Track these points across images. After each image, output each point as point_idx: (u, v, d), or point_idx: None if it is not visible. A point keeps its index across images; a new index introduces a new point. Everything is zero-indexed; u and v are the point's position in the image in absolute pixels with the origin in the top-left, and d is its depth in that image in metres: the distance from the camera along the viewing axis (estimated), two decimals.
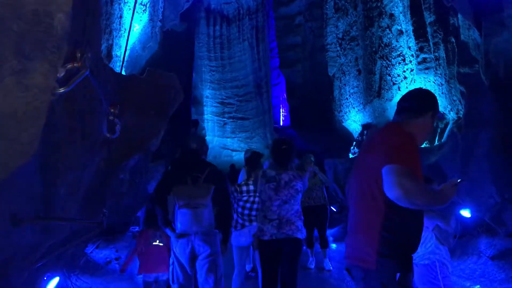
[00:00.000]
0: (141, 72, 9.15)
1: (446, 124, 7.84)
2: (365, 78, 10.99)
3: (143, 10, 9.64)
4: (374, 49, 10.35)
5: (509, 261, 5.76)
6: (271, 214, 3.93)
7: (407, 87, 9.21)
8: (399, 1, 9.31)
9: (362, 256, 2.14)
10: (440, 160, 7.17)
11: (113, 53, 7.63)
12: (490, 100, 6.51)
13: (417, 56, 8.55)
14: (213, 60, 21.72)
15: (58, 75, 1.57)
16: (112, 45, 7.51)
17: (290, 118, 17.85)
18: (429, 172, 6.23)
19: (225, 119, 21.47)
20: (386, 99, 10.02)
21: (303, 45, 16.02)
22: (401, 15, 9.30)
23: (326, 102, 13.74)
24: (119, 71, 4.88)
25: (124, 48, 7.71)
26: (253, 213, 5.06)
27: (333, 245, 8.89)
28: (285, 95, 19.63)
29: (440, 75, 8.09)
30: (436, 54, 8.05)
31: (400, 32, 9.44)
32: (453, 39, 7.51)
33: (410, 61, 9.10)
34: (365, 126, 11.51)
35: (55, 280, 4.21)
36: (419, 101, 2.33)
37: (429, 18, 8.05)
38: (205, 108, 21.48)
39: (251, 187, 5.07)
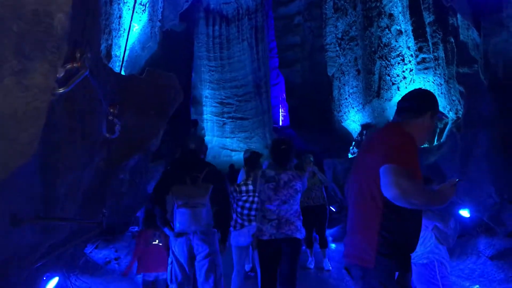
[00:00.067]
0: (140, 72, 9.14)
1: (445, 124, 7.84)
2: (364, 78, 10.99)
3: (143, 10, 9.64)
4: (373, 49, 10.36)
5: (508, 261, 5.77)
6: (270, 214, 3.94)
7: (406, 87, 9.22)
8: (398, 1, 9.31)
9: (361, 255, 2.16)
10: (439, 160, 7.18)
11: (112, 53, 7.63)
12: (489, 100, 6.52)
13: (416, 56, 8.55)
14: (212, 60, 21.72)
15: (58, 75, 1.57)
16: (111, 45, 7.52)
17: (289, 118, 17.86)
18: (428, 172, 6.23)
19: (225, 119, 21.47)
20: (385, 99, 10.02)
21: (302, 45, 16.02)
22: (400, 15, 9.30)
23: (325, 102, 13.74)
24: (119, 71, 4.89)
25: (123, 48, 7.71)
26: (252, 213, 5.07)
27: (333, 245, 8.91)
28: (284, 95, 19.63)
29: (439, 75, 8.10)
30: (435, 54, 8.06)
31: (399, 32, 9.45)
32: (452, 39, 7.52)
33: (409, 61, 9.11)
34: (364, 126, 11.52)
35: (55, 280, 4.22)
36: (419, 101, 2.34)
37: (428, 18, 8.05)
38: (204, 108, 21.48)
39: (250, 187, 5.08)
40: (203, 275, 3.96)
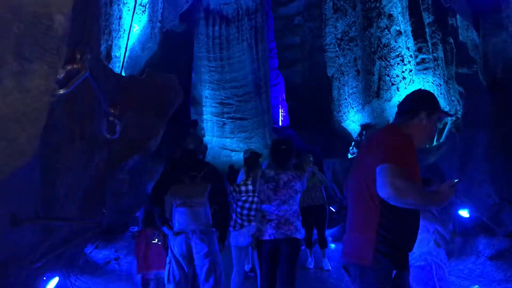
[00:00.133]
0: (140, 72, 9.16)
1: (445, 125, 7.85)
2: (364, 79, 11.01)
3: (142, 11, 9.65)
4: (373, 49, 10.37)
5: (507, 261, 5.78)
6: (270, 214, 3.95)
7: (405, 88, 9.23)
8: (397, 2, 9.32)
9: (359, 254, 2.18)
10: (439, 160, 7.19)
11: (112, 54, 7.64)
12: (489, 101, 6.53)
13: (416, 57, 8.56)
14: (212, 60, 21.73)
15: (58, 76, 1.59)
16: (111, 46, 7.53)
17: (289, 118, 17.86)
18: (427, 172, 6.25)
19: (224, 119, 21.47)
20: (385, 100, 10.03)
21: (302, 45, 16.02)
22: (399, 15, 9.31)
23: (325, 102, 13.75)
24: (119, 72, 4.90)
25: (123, 49, 7.73)
26: (252, 213, 5.08)
27: (332, 245, 8.92)
28: (284, 95, 19.65)
29: (438, 76, 8.10)
30: (435, 54, 8.07)
31: (399, 33, 9.46)
32: (451, 40, 7.53)
33: (409, 62, 9.12)
34: (364, 127, 11.53)
35: (55, 280, 4.23)
36: (411, 102, 2.37)
37: (427, 18, 8.06)
38: (204, 108, 21.48)
39: (250, 187, 5.08)
40: (203, 275, 3.98)
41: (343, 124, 12.82)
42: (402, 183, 1.98)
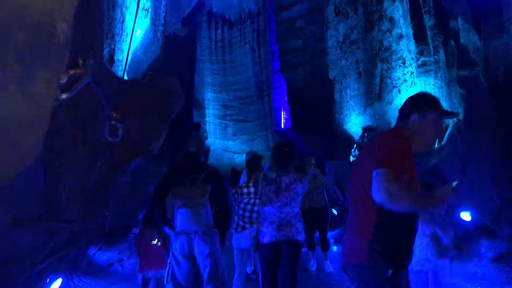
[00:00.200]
0: (143, 76, 9.21)
1: (446, 127, 7.86)
2: (366, 81, 11.04)
3: (145, 15, 9.71)
4: (374, 52, 10.41)
5: (509, 264, 5.77)
6: (272, 217, 3.97)
7: (407, 90, 9.25)
8: (399, 5, 9.36)
9: (356, 253, 2.21)
10: (440, 162, 7.20)
11: (115, 58, 7.69)
12: (490, 103, 6.54)
13: (417, 59, 8.59)
14: (215, 63, 21.77)
15: (60, 81, 1.62)
16: (114, 49, 7.58)
17: (291, 120, 17.90)
18: (428, 175, 6.26)
19: (227, 121, 21.49)
20: (387, 102, 10.06)
21: (304, 48, 16.07)
22: (401, 18, 9.34)
23: (327, 105, 13.78)
24: (122, 76, 4.95)
25: (126, 53, 7.77)
26: (254, 215, 5.09)
27: (334, 247, 8.91)
28: (286, 98, 19.67)
29: (440, 78, 8.13)
30: (436, 57, 8.09)
31: (400, 36, 9.49)
32: (453, 42, 7.55)
33: (410, 64, 9.15)
34: (365, 129, 11.55)
35: (58, 282, 4.27)
36: (405, 105, 2.39)
37: (429, 21, 8.09)
38: (207, 111, 21.52)
39: (252, 189, 5.10)
40: (206, 275, 4.02)
41: (345, 127, 12.84)
42: (396, 188, 2.00)
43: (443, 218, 3.94)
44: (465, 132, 6.79)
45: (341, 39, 12.47)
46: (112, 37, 7.46)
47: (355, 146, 11.95)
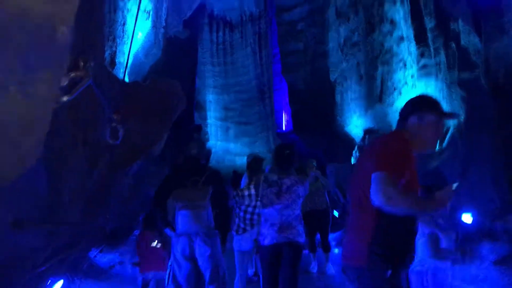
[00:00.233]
0: (144, 78, 9.23)
1: (447, 130, 7.86)
2: (367, 84, 11.05)
3: (146, 17, 9.73)
4: (375, 54, 10.42)
5: (511, 266, 5.77)
6: (272, 219, 3.98)
7: (408, 92, 9.26)
8: (400, 7, 9.37)
9: (355, 255, 2.22)
10: (441, 165, 7.19)
11: (116, 60, 7.71)
12: (491, 105, 6.55)
13: (418, 62, 8.59)
14: (216, 65, 21.82)
15: (61, 84, 1.63)
16: (115, 52, 7.60)
17: (293, 122, 17.90)
18: (429, 177, 6.26)
19: (228, 123, 21.52)
20: (388, 104, 10.07)
21: (305, 50, 16.07)
22: (402, 20, 9.36)
23: (328, 107, 13.79)
24: (123, 78, 4.97)
25: (127, 55, 7.79)
26: (255, 217, 5.09)
27: (336, 250, 8.90)
28: (287, 100, 19.68)
29: (441, 80, 8.13)
30: (437, 59, 8.10)
31: (401, 38, 9.50)
32: (453, 44, 7.56)
33: (411, 66, 9.15)
34: (366, 131, 11.55)
35: (59, 283, 4.28)
36: (404, 107, 2.39)
37: (429, 23, 8.10)
38: (208, 113, 21.55)
39: (253, 192, 5.09)
40: (207, 277, 4.04)
41: (346, 129, 12.85)
42: (394, 191, 2.01)
43: (445, 220, 3.94)
44: (466, 134, 6.80)
45: (342, 41, 12.48)
46: (114, 40, 7.48)
47: (356, 148, 11.95)
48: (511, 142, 6.12)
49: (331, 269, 7.04)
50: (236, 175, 12.15)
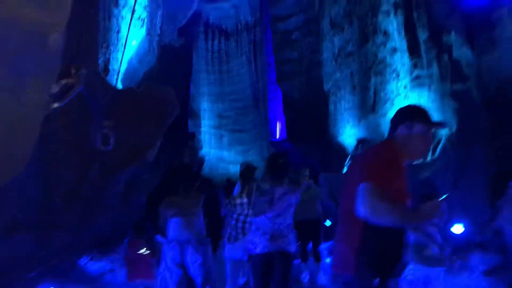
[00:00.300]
0: (138, 85, 9.21)
1: (439, 140, 7.91)
2: (360, 94, 11.11)
3: (141, 25, 9.74)
4: (369, 65, 10.49)
5: (501, 277, 5.79)
6: (264, 227, 3.98)
7: (401, 103, 9.31)
8: (393, 19, 9.46)
9: (344, 264, 2.22)
10: (432, 175, 7.23)
11: (110, 67, 7.70)
12: (483, 116, 6.61)
13: (411, 73, 8.66)
14: (211, 73, 21.85)
15: (52, 90, 1.64)
16: (109, 59, 7.60)
17: (287, 131, 17.92)
18: (421, 188, 6.29)
19: (222, 131, 21.51)
20: (381, 115, 10.12)
21: (300, 60, 16.14)
22: (395, 32, 9.44)
23: (323, 116, 13.82)
24: (116, 85, 4.99)
25: (120, 62, 7.78)
26: (247, 226, 5.08)
27: (328, 259, 8.87)
28: (282, 108, 19.72)
29: (433, 91, 8.20)
30: (430, 70, 8.17)
31: (395, 49, 9.58)
32: (446, 56, 7.64)
33: (404, 77, 9.22)
34: (360, 141, 11.59)
35: None
36: (393, 117, 2.40)
37: (422, 35, 8.19)
38: (202, 121, 21.54)
39: (245, 200, 5.09)
40: (198, 285, 4.03)
41: (339, 139, 12.88)
42: (379, 203, 2.01)
43: (438, 230, 3.94)
44: (458, 145, 6.84)
45: (336, 51, 12.56)
46: (108, 47, 7.48)
47: (349, 158, 11.98)
48: (503, 153, 6.16)
49: (322, 278, 7.02)
50: (229, 183, 12.15)
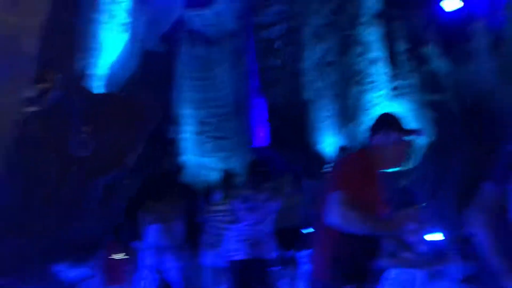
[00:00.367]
0: (120, 91, 9.13)
1: (417, 150, 8.03)
2: (340, 103, 11.24)
3: (123, 30, 9.66)
4: (349, 75, 10.63)
5: (477, 285, 5.88)
6: (244, 234, 3.99)
7: (379, 112, 9.44)
8: (373, 30, 9.61)
9: (320, 271, 2.24)
10: (411, 184, 7.32)
11: (89, 72, 7.60)
12: (460, 127, 6.73)
13: (390, 83, 8.80)
14: (194, 80, 21.72)
15: (28, 94, 1.62)
16: (88, 64, 7.49)
17: (271, 138, 17.94)
18: (399, 197, 6.36)
19: (204, 138, 21.41)
20: (359, 124, 10.26)
21: (283, 67, 16.22)
22: (375, 43, 9.59)
23: (305, 124, 13.92)
24: (96, 90, 4.95)
25: (102, 67, 7.70)
26: (227, 232, 5.08)
27: (307, 266, 8.87)
28: (264, 115, 19.75)
29: (412, 102, 8.34)
30: (409, 81, 8.31)
31: (374, 60, 9.73)
32: (425, 68, 7.79)
33: (383, 88, 9.36)
34: (340, 149, 11.69)
35: None
36: (370, 125, 2.44)
37: (402, 46, 8.34)
38: (184, 126, 21.40)
39: (226, 207, 5.10)
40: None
41: (320, 147, 12.98)
42: (348, 211, 2.02)
43: (412, 236, 3.99)
44: (436, 155, 6.94)
45: (317, 60, 12.69)
46: (87, 52, 7.38)
47: (324, 167, 12.06)
48: (480, 164, 6.27)
49: (302, 285, 7.01)
50: (210, 190, 12.10)
